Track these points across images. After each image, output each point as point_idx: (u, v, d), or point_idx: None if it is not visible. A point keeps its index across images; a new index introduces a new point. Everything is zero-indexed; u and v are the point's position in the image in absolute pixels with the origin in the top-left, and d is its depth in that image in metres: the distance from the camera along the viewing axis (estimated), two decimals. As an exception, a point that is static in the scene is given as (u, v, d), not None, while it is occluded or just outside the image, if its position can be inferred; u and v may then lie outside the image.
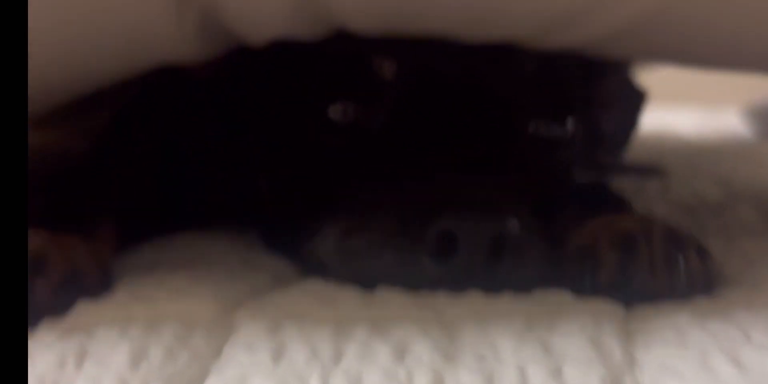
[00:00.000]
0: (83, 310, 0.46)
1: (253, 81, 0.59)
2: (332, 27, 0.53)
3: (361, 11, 0.50)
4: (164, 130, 0.64)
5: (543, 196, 0.55)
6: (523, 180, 0.54)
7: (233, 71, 0.60)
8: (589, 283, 0.49)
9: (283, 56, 0.56)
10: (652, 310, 0.46)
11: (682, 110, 1.35)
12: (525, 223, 0.49)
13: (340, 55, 0.55)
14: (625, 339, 0.43)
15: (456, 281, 0.48)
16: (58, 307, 0.46)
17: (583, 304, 0.47)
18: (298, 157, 0.56)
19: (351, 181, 0.53)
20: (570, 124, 0.58)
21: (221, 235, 0.62)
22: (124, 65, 0.54)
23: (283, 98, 0.57)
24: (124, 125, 0.66)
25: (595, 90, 0.68)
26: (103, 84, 0.57)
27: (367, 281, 0.49)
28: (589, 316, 0.45)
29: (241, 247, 0.60)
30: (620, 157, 0.84)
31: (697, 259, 0.49)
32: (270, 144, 0.58)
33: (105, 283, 0.50)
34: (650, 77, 1.11)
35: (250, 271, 0.54)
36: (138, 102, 0.65)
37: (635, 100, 0.71)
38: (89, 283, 0.49)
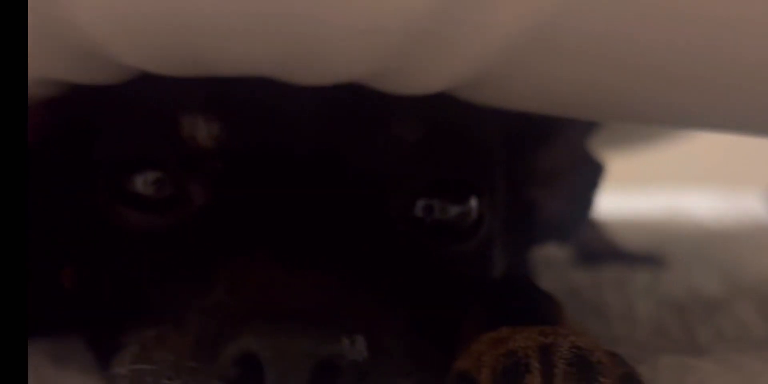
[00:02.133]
0: None
1: (53, 140, 0.46)
2: (124, 69, 0.39)
3: (134, 47, 0.36)
4: None
5: (430, 301, 0.41)
6: (395, 279, 0.40)
7: (51, 130, 0.47)
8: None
9: (75, 108, 0.43)
10: None
11: (698, 192, 1.22)
12: (381, 342, 0.35)
13: (144, 107, 0.42)
14: None
15: None
16: None
17: None
18: (99, 243, 0.43)
19: (159, 276, 0.40)
20: (474, 203, 0.44)
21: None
22: None
23: (78, 162, 0.44)
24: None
25: (533, 162, 0.53)
26: None
27: None
28: None
29: (45, 362, 0.46)
30: (571, 242, 0.69)
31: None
32: (73, 226, 0.44)
33: None
34: (664, 156, 0.99)
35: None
36: None
37: (591, 174, 0.56)
38: None
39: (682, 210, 1.14)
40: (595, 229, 0.88)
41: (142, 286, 0.40)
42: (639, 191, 1.20)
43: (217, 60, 0.37)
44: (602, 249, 0.88)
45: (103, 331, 0.42)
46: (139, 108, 0.42)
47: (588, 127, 0.55)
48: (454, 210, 0.43)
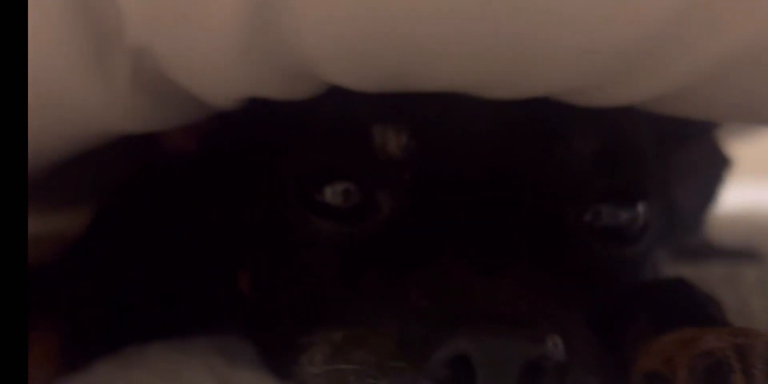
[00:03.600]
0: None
1: (234, 147, 0.47)
2: (320, 84, 0.41)
3: (346, 65, 0.38)
4: (149, 214, 0.54)
5: (600, 304, 0.42)
6: (572, 283, 0.41)
7: (216, 139, 0.49)
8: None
9: (265, 119, 0.45)
10: None
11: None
12: (572, 343, 0.36)
13: (336, 119, 0.43)
14: None
15: None
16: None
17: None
18: (283, 248, 0.44)
19: (349, 281, 0.42)
20: (642, 209, 0.45)
21: (201, 342, 0.50)
22: (61, 136, 0.43)
23: (267, 171, 0.45)
24: (110, 212, 0.56)
25: (672, 160, 0.55)
26: (58, 155, 0.46)
27: None
28: None
29: (220, 361, 0.47)
30: (699, 236, 0.70)
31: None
32: (252, 229, 0.46)
33: None
34: (745, 149, 0.99)
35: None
36: (128, 183, 0.55)
37: (719, 168, 0.58)
38: None
39: (763, 205, 1.13)
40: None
41: (327, 290, 0.42)
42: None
43: (420, 77, 0.39)
44: (696, 244, 0.88)
45: (281, 333, 0.44)
46: (329, 121, 0.43)
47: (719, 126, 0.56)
48: (624, 216, 0.44)
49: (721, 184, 0.58)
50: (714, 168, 0.58)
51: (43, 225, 0.56)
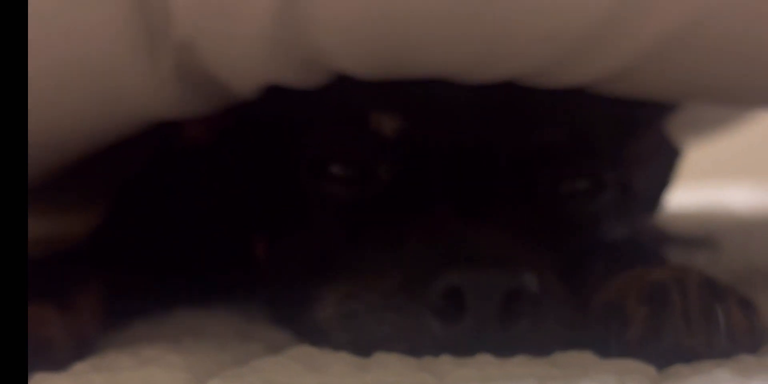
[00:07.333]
0: (37, 382, 0.41)
1: (249, 135, 0.55)
2: (328, 72, 0.49)
3: (353, 53, 0.46)
4: (168, 198, 0.61)
5: (567, 253, 0.50)
6: (543, 235, 0.49)
7: (232, 129, 0.56)
8: (616, 343, 0.43)
9: (280, 107, 0.53)
10: (688, 368, 0.40)
11: (733, 186, 1.30)
12: (544, 280, 0.44)
13: (339, 107, 0.51)
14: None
15: (464, 344, 0.43)
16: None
17: (608, 365, 0.41)
18: (296, 217, 0.52)
19: (355, 238, 0.49)
20: (600, 180, 0.53)
21: (222, 307, 0.57)
22: (107, 122, 0.51)
23: (279, 152, 0.53)
24: (129, 198, 0.63)
25: (629, 147, 0.63)
26: (92, 145, 0.54)
27: (368, 347, 0.44)
28: (614, 378, 0.39)
29: (239, 318, 0.55)
30: (652, 219, 0.78)
31: (740, 312, 0.43)
32: (267, 203, 0.54)
33: (78, 355, 0.46)
34: (701, 153, 1.07)
35: (242, 341, 0.49)
36: (145, 172, 0.62)
37: (670, 157, 0.66)
38: (59, 354, 0.45)
39: (720, 204, 1.21)
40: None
41: (336, 248, 0.49)
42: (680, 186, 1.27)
43: (413, 63, 0.46)
44: (656, 236, 0.96)
45: (295, 290, 0.50)
46: (333, 108, 0.51)
47: (668, 117, 0.64)
48: (585, 184, 0.52)
49: (672, 172, 0.66)
50: (665, 157, 0.66)
51: (47, 227, 0.63)
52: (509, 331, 0.43)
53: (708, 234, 0.94)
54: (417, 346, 0.43)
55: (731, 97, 0.55)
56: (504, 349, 0.43)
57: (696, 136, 0.92)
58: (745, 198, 1.22)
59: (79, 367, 0.43)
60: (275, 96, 0.51)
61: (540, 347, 0.43)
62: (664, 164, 0.66)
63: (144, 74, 0.46)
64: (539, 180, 0.51)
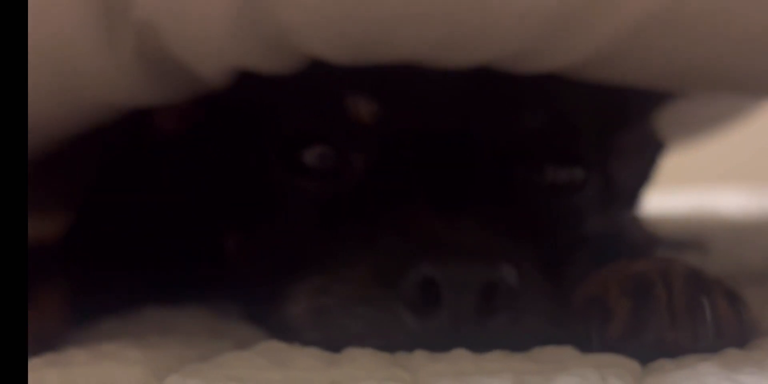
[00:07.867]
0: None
1: (222, 126, 0.53)
2: (300, 57, 0.47)
3: (321, 34, 0.44)
4: (138, 192, 0.59)
5: (548, 245, 0.48)
6: (522, 227, 0.47)
7: (204, 120, 0.54)
8: (598, 338, 0.41)
9: (253, 96, 0.51)
10: (672, 363, 0.38)
11: (724, 190, 1.28)
12: (523, 273, 0.42)
13: (314, 92, 0.49)
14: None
15: (440, 338, 0.41)
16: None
17: (590, 360, 0.39)
18: (268, 210, 0.50)
19: (328, 230, 0.47)
20: (580, 171, 0.51)
21: (193, 304, 0.55)
22: (70, 110, 0.48)
23: (251, 142, 0.51)
24: (98, 193, 0.61)
25: (611, 140, 0.61)
26: (58, 136, 0.52)
27: (340, 342, 0.42)
28: (596, 372, 0.37)
29: (210, 315, 0.53)
30: (634, 211, 0.77)
31: (726, 305, 0.41)
32: (239, 196, 0.52)
33: (37, 352, 0.44)
34: (691, 156, 1.06)
35: (211, 338, 0.47)
36: (115, 165, 0.60)
37: (654, 152, 0.64)
38: None
39: (709, 208, 1.20)
40: (635, 221, 0.95)
41: (309, 242, 0.47)
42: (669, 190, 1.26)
43: (383, 46, 0.45)
44: (645, 238, 0.95)
45: (267, 286, 0.48)
46: (308, 94, 0.49)
47: (655, 111, 0.63)
48: (565, 175, 0.51)
49: (655, 166, 0.65)
50: (650, 151, 0.65)
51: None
52: (487, 325, 0.41)
53: (697, 237, 0.93)
54: (391, 341, 0.41)
55: (722, 84, 0.53)
56: (481, 343, 0.41)
57: (684, 136, 0.90)
58: (735, 202, 1.22)
59: (34, 362, 0.41)
60: (248, 84, 0.49)
61: (519, 342, 0.41)
62: (648, 159, 0.64)
63: (103, 56, 0.44)
64: (520, 169, 0.49)
